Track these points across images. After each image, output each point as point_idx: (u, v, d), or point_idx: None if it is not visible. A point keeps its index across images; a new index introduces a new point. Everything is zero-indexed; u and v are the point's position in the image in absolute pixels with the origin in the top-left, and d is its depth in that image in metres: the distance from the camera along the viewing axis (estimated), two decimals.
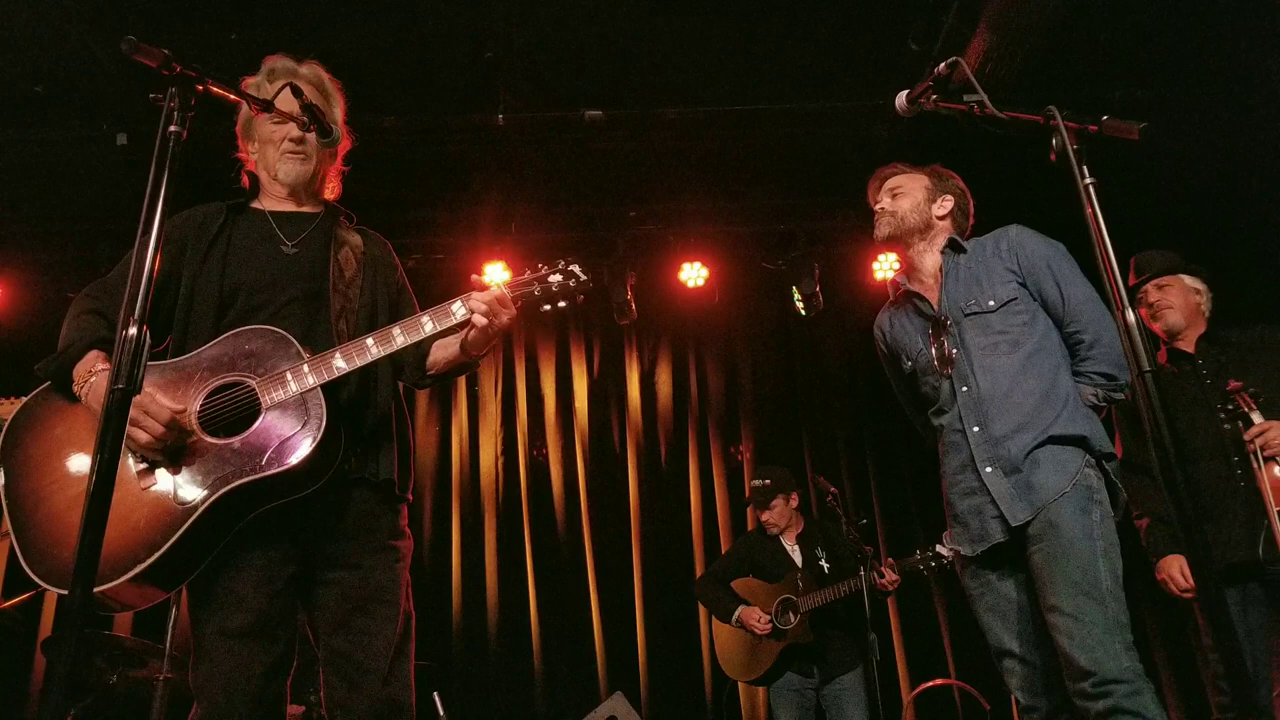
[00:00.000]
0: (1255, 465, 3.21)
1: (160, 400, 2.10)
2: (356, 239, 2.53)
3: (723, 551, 5.90)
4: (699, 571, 6.12)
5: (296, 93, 2.22)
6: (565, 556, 6.35)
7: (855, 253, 6.37)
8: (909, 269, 3.00)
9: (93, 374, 2.17)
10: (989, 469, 2.60)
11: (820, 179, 5.96)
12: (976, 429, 2.65)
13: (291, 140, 2.42)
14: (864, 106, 5.15)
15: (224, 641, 2.14)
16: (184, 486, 2.10)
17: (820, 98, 5.18)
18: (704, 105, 5.24)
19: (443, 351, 2.39)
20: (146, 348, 1.60)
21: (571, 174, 5.77)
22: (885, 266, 6.25)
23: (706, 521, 6.46)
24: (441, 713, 4.69)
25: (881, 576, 4.59)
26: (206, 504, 2.07)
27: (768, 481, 5.10)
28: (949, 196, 2.95)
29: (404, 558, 2.33)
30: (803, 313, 6.33)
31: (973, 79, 2.30)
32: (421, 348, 2.40)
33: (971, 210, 2.99)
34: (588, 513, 6.46)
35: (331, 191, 2.60)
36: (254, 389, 2.17)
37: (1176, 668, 5.44)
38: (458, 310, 2.23)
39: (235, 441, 2.13)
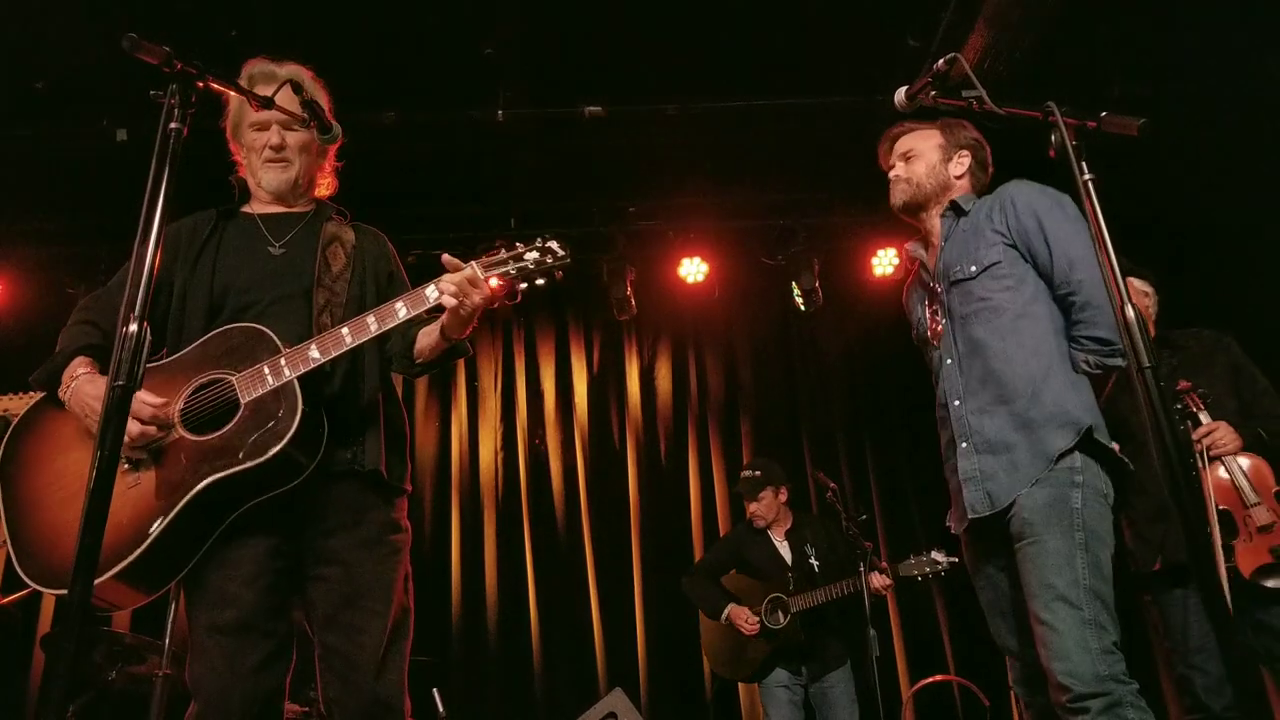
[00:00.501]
0: (1201, 465, 3.25)
1: (141, 397, 2.10)
2: (348, 234, 2.52)
3: None
4: None
5: (297, 89, 2.23)
6: (565, 552, 6.36)
7: (855, 248, 6.37)
8: (923, 233, 2.84)
9: (74, 378, 2.21)
10: (964, 445, 2.51)
11: (819, 174, 5.97)
12: (957, 403, 2.55)
13: (271, 149, 2.42)
14: (863, 102, 5.14)
15: (215, 637, 2.15)
16: (165, 484, 2.12)
17: (819, 93, 5.18)
18: (703, 101, 5.24)
19: (427, 338, 2.34)
20: (147, 344, 1.60)
21: (571, 170, 5.77)
22: (885, 262, 6.26)
23: (706, 517, 6.47)
24: (441, 709, 4.69)
25: (881, 575, 4.59)
26: (185, 499, 2.08)
27: (758, 473, 5.09)
28: (964, 152, 2.77)
29: (398, 551, 2.31)
30: (802, 308, 6.34)
31: (971, 75, 2.31)
32: (408, 336, 2.38)
33: (990, 159, 2.81)
34: (587, 508, 6.46)
35: (326, 189, 2.60)
36: (233, 385, 2.18)
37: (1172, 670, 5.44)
38: (430, 294, 2.19)
39: (214, 437, 2.14)
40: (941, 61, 2.34)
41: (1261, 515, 3.22)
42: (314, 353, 2.17)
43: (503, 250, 2.24)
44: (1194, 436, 3.29)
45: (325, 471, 2.23)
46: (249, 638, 2.15)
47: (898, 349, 6.35)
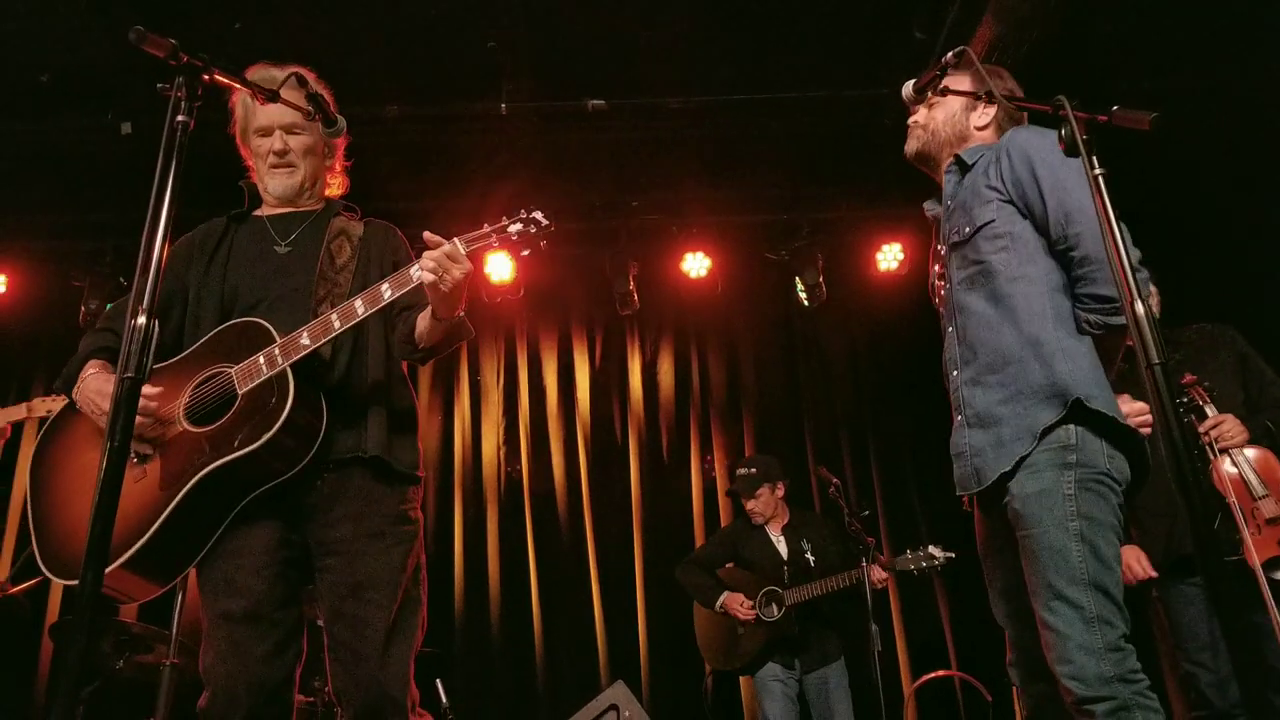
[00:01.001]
0: (1209, 457, 3.24)
1: (144, 391, 2.13)
2: (356, 228, 2.54)
3: None
4: None
5: (301, 82, 2.24)
6: (567, 546, 6.37)
7: (859, 243, 6.36)
8: (936, 186, 2.63)
9: (84, 379, 2.28)
10: (958, 418, 2.37)
11: (824, 169, 5.96)
12: (955, 373, 2.40)
13: (275, 154, 2.45)
14: (868, 96, 5.13)
15: (224, 625, 2.19)
16: (169, 475, 2.18)
17: (824, 87, 5.16)
18: (707, 94, 5.23)
19: (424, 321, 2.34)
20: (155, 337, 1.60)
21: (574, 164, 5.75)
22: (889, 257, 6.24)
23: (708, 512, 6.47)
24: (444, 700, 4.71)
25: (878, 568, 4.60)
26: (185, 489, 2.14)
27: (753, 470, 5.10)
28: (993, 106, 2.51)
29: (404, 543, 2.32)
30: (806, 303, 6.33)
31: (980, 68, 2.31)
32: (409, 321, 2.38)
33: (1025, 118, 2.54)
34: (589, 502, 6.47)
35: (337, 189, 2.63)
36: (232, 377, 2.23)
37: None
38: (414, 273, 2.20)
39: (213, 428, 2.19)
40: (949, 55, 2.34)
41: (1270, 508, 3.22)
42: (304, 339, 2.20)
43: (485, 225, 2.26)
44: (1200, 430, 3.30)
45: (330, 460, 2.26)
46: (257, 627, 2.18)
47: (901, 344, 6.39)
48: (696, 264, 6.29)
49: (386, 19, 4.56)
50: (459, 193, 5.91)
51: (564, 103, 5.20)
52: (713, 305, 6.67)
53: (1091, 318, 2.25)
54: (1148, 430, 2.30)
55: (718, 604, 4.94)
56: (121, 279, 5.92)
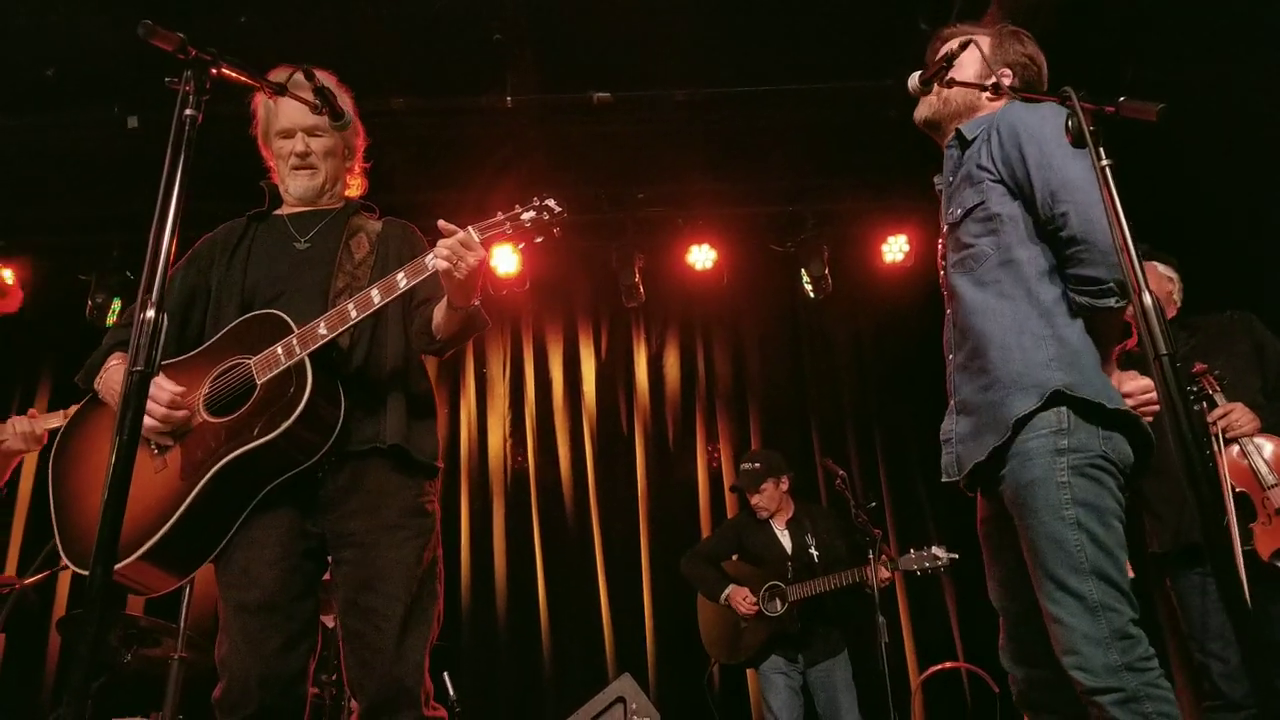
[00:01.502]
0: (1216, 447, 3.22)
1: (160, 384, 2.19)
2: (374, 225, 2.57)
3: None
4: None
5: (309, 76, 2.24)
6: (573, 538, 6.38)
7: (865, 234, 6.35)
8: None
9: (107, 369, 2.32)
10: (951, 403, 2.33)
11: (829, 160, 5.94)
12: (950, 357, 2.34)
13: (297, 155, 2.49)
14: (873, 87, 5.12)
15: (240, 616, 2.20)
16: (189, 465, 2.20)
17: (829, 78, 5.15)
18: (712, 87, 5.22)
19: (440, 312, 2.35)
20: (164, 330, 1.61)
21: (579, 156, 5.75)
22: (895, 249, 6.23)
23: (714, 504, 6.47)
24: (451, 693, 4.73)
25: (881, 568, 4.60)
26: (205, 478, 2.16)
27: (758, 465, 5.10)
28: (1006, 71, 2.40)
29: (420, 536, 2.32)
30: (811, 295, 6.32)
31: (986, 58, 2.30)
32: (425, 313, 2.40)
33: (1043, 80, 2.44)
34: (595, 495, 6.48)
35: (356, 189, 2.66)
36: (250, 368, 2.24)
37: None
38: (430, 261, 2.22)
39: (232, 418, 2.22)
40: (955, 44, 2.32)
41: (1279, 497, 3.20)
42: (322, 329, 2.22)
43: (499, 213, 2.28)
44: (1209, 419, 3.28)
45: (348, 451, 2.28)
46: (272, 619, 2.20)
47: (907, 336, 6.38)
48: (702, 256, 6.28)
49: (391, 12, 4.56)
50: (465, 186, 5.90)
51: (569, 95, 5.19)
52: (718, 297, 6.66)
53: (1081, 300, 2.16)
54: (1155, 408, 2.22)
55: (722, 597, 4.95)
56: (129, 273, 5.94)
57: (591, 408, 6.70)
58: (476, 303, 2.30)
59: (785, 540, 5.06)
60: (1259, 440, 3.28)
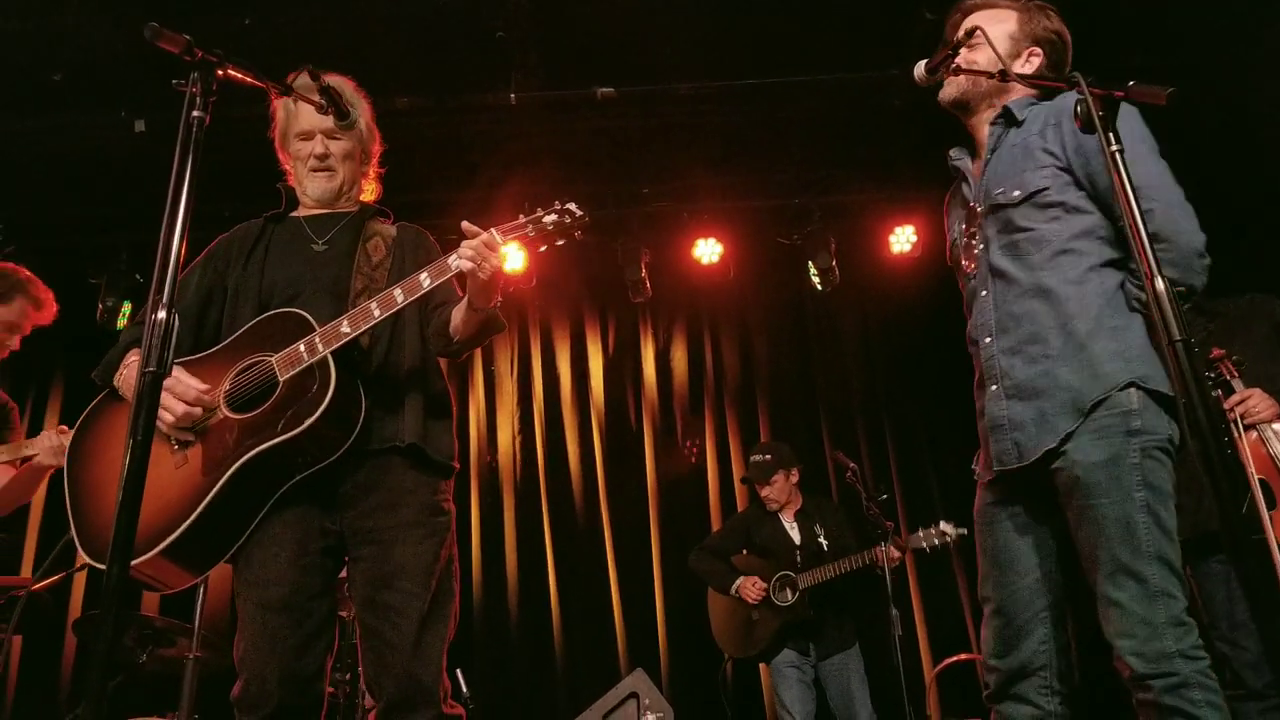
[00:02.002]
0: (1235, 433, 3.20)
1: (186, 381, 2.21)
2: (389, 229, 2.60)
3: None
4: None
5: (314, 76, 2.24)
6: (583, 534, 6.38)
7: (871, 226, 6.33)
8: (968, 134, 2.52)
9: (127, 365, 2.32)
10: (993, 387, 2.27)
11: (835, 152, 5.93)
12: (988, 340, 2.30)
13: (316, 158, 2.51)
14: (878, 77, 5.10)
15: (260, 613, 2.21)
16: (210, 461, 2.22)
17: (834, 69, 5.14)
18: (716, 80, 5.21)
19: (459, 313, 2.38)
20: (175, 330, 1.62)
21: (584, 152, 5.75)
22: (902, 240, 6.21)
23: (724, 498, 6.47)
24: (465, 690, 4.74)
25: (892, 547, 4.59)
26: (228, 474, 2.17)
27: (768, 457, 5.11)
28: (1036, 49, 2.38)
29: (438, 534, 2.35)
30: (819, 287, 6.31)
31: (993, 45, 2.28)
32: (443, 315, 2.42)
33: (1069, 59, 2.42)
34: (605, 491, 6.48)
35: (370, 194, 2.68)
36: (272, 365, 2.25)
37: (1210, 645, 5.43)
38: (453, 262, 2.25)
39: (255, 414, 2.23)
40: (962, 32, 2.31)
41: None
42: (345, 327, 2.23)
43: (521, 215, 2.31)
44: (1226, 405, 3.24)
45: (367, 450, 2.29)
46: (291, 616, 2.21)
47: (916, 327, 6.37)
48: (708, 250, 6.28)
49: (395, 11, 4.57)
50: (470, 184, 5.92)
51: (573, 91, 5.19)
52: (725, 291, 6.65)
53: (1145, 296, 2.08)
54: None
55: (732, 589, 4.96)
56: (138, 276, 5.95)
57: (600, 403, 6.70)
58: (496, 304, 2.33)
59: (794, 532, 5.07)
60: (1277, 426, 3.24)
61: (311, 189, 2.53)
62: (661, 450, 6.59)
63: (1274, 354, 3.46)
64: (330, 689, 4.25)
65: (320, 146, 2.50)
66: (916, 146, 5.36)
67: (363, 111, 2.59)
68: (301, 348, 2.23)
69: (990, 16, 2.37)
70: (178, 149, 1.68)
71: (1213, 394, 3.18)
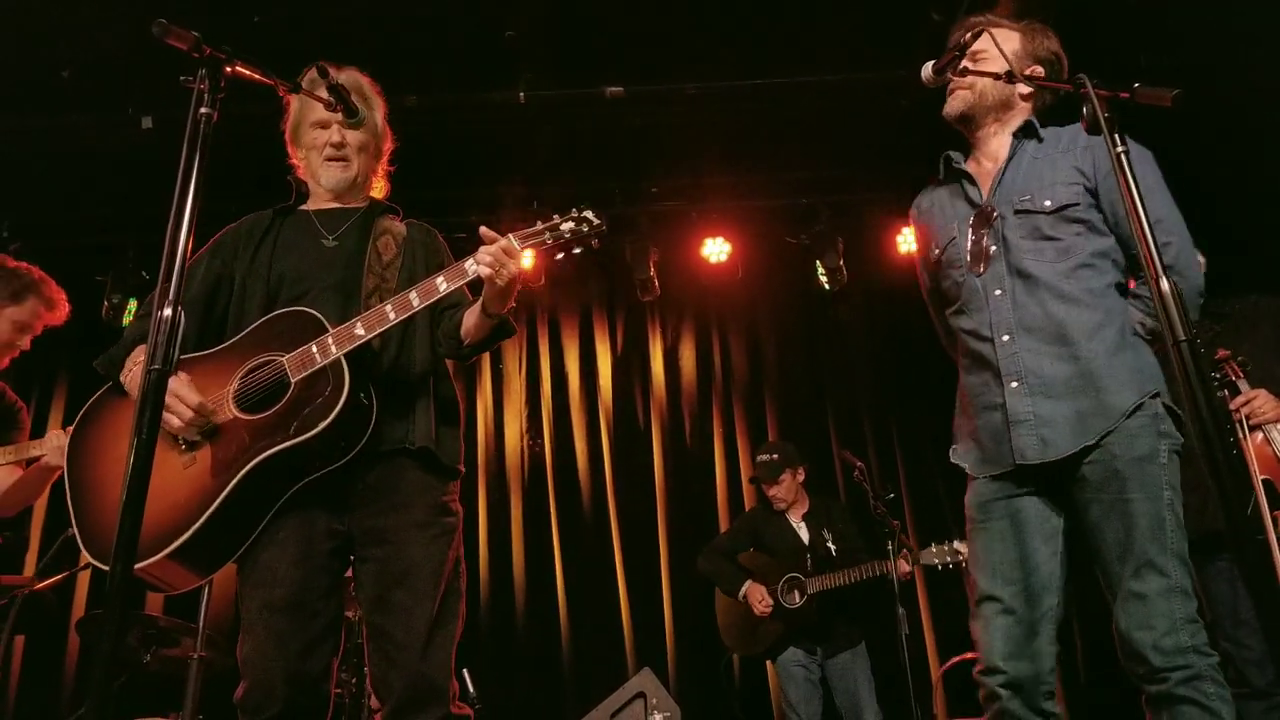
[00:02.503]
0: (1241, 434, 3.20)
1: (185, 393, 2.18)
2: (399, 227, 2.58)
3: None
4: None
5: (323, 73, 2.25)
6: (591, 533, 6.38)
7: (879, 226, 6.32)
8: (970, 146, 2.61)
9: (136, 363, 2.28)
10: (1014, 384, 2.31)
11: (843, 152, 5.92)
12: (1006, 338, 2.34)
13: (332, 146, 2.48)
14: (886, 78, 5.10)
15: (265, 615, 2.19)
16: (220, 462, 2.19)
17: (842, 70, 5.14)
18: (724, 79, 5.21)
19: (472, 317, 2.37)
20: (181, 327, 1.62)
21: (593, 151, 5.76)
22: (909, 239, 6.20)
23: (732, 498, 6.47)
24: (471, 689, 4.74)
25: (903, 562, 4.58)
26: (238, 476, 2.15)
27: (775, 456, 5.11)
28: (1038, 68, 2.49)
29: (448, 534, 2.34)
30: (826, 287, 6.31)
31: (1000, 47, 2.29)
32: (454, 318, 2.41)
33: (1064, 73, 2.54)
34: (613, 490, 6.48)
35: (379, 191, 2.66)
36: (284, 365, 2.23)
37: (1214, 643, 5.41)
38: (469, 266, 2.24)
39: (266, 415, 2.20)
40: (968, 34, 2.31)
41: None
42: (359, 329, 2.22)
43: (539, 222, 2.30)
44: (1232, 406, 3.25)
45: (376, 452, 2.27)
46: (299, 617, 2.19)
47: (923, 327, 6.30)
48: (717, 249, 6.28)
49: (405, 9, 4.57)
50: (479, 181, 5.93)
51: (581, 90, 5.19)
52: (733, 290, 6.65)
53: (1148, 321, 2.33)
54: None
55: (740, 593, 4.95)
56: (144, 273, 5.96)
57: (608, 402, 6.70)
58: (511, 309, 2.33)
59: (803, 532, 5.07)
60: None
61: (326, 178, 2.50)
62: (669, 449, 6.59)
63: (1277, 355, 3.46)
64: (336, 689, 4.27)
65: (336, 135, 2.47)
66: (924, 147, 5.33)
67: (378, 108, 2.58)
68: (314, 349, 2.21)
69: (995, 34, 2.41)
70: (185, 146, 1.68)
71: (1218, 394, 3.18)
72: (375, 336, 2.25)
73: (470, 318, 2.36)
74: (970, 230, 2.47)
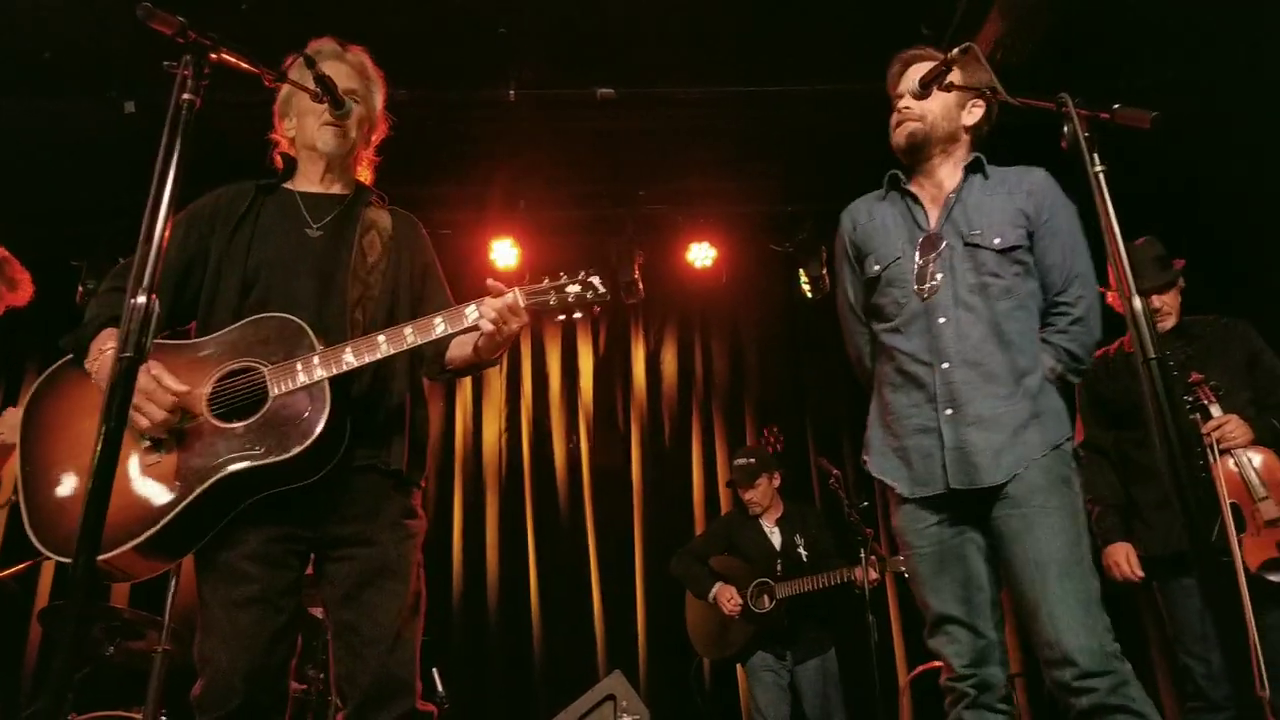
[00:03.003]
0: (1211, 458, 3.24)
1: (167, 383, 2.11)
2: (385, 220, 2.53)
3: None
4: None
5: (309, 63, 2.23)
6: (567, 534, 6.38)
7: None
8: (915, 174, 2.67)
9: (103, 351, 2.19)
10: (949, 411, 2.38)
11: (829, 162, 5.93)
12: (946, 366, 2.41)
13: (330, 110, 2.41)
14: (875, 89, 5.10)
15: (226, 611, 2.16)
16: (185, 467, 2.12)
17: (831, 80, 5.15)
18: (715, 86, 5.22)
19: (459, 350, 2.38)
20: (155, 317, 1.60)
21: (582, 152, 5.75)
22: None
23: (709, 502, 6.48)
24: (440, 688, 4.72)
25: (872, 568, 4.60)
26: (203, 486, 2.10)
27: (752, 460, 5.14)
28: (979, 101, 2.58)
29: (414, 536, 2.34)
30: (809, 295, 6.33)
31: (985, 64, 2.30)
32: (440, 344, 2.39)
33: (996, 115, 2.64)
34: (590, 491, 6.48)
35: (365, 177, 2.61)
36: (264, 376, 2.18)
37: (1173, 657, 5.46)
38: (470, 314, 2.22)
39: (239, 426, 2.15)
40: (955, 50, 2.33)
41: (1270, 509, 3.22)
42: (349, 356, 2.18)
43: (545, 280, 2.28)
44: (1204, 430, 3.30)
45: (347, 466, 2.23)
46: (263, 612, 2.17)
47: None
48: (702, 254, 6.30)
49: (396, 3, 4.54)
50: (466, 178, 5.91)
51: (572, 90, 5.19)
52: (717, 295, 6.67)
53: (1058, 368, 2.46)
54: None
55: (710, 595, 4.98)
56: (121, 260, 5.88)
57: (588, 403, 6.70)
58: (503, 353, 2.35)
59: (775, 538, 5.09)
60: (1251, 453, 3.29)
61: (323, 141, 2.42)
62: (648, 451, 6.59)
63: (1246, 380, 3.51)
64: (303, 685, 4.24)
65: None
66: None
67: (378, 91, 2.57)
68: (299, 366, 2.16)
69: (953, 74, 2.41)
70: (165, 131, 1.66)
71: (1190, 418, 3.23)
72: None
73: (459, 349, 2.37)
74: (918, 254, 2.52)
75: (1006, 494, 2.32)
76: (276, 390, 2.16)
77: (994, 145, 2.66)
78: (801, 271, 6.30)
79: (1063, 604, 2.18)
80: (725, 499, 6.35)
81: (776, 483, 5.17)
